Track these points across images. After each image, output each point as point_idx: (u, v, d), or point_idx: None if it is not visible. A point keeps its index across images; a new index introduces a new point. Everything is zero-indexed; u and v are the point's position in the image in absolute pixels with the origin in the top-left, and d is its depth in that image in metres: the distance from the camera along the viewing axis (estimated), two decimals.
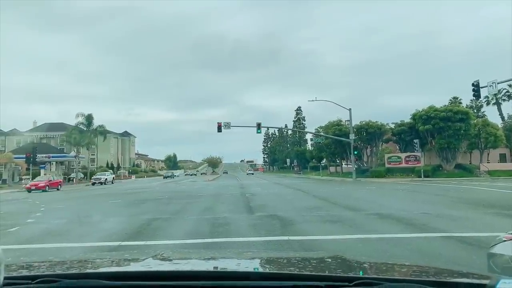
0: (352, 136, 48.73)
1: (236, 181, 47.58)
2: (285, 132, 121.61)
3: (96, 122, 72.07)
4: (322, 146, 61.54)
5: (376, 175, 48.36)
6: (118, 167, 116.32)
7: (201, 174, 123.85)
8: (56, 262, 1.75)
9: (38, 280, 1.20)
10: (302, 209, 13.22)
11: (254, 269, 1.53)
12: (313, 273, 1.47)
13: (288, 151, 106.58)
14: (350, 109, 49.37)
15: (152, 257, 1.71)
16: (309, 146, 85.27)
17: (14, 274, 1.35)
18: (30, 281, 1.20)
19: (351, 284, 1.12)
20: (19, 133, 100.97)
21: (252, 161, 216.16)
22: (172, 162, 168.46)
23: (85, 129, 69.82)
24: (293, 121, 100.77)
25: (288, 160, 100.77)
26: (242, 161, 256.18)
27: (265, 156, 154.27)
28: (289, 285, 1.15)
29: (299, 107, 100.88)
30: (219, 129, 47.57)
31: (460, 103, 47.68)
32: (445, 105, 47.75)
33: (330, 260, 1.78)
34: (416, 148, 43.40)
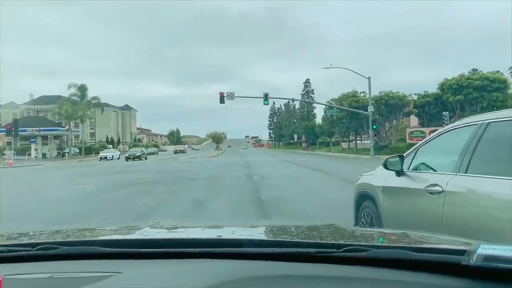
0: (370, 108, 43.32)
1: (241, 158, 42.78)
2: (292, 107, 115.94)
3: (96, 95, 66.61)
4: (334, 120, 56.32)
5: (397, 151, 43.39)
6: (119, 142, 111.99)
7: (194, 149, 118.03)
8: (55, 231, 1.79)
9: (38, 247, 1.24)
10: (343, 205, 8.04)
11: (248, 236, 1.54)
12: (304, 240, 1.50)
13: (295, 126, 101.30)
14: (369, 77, 43.78)
15: (150, 226, 1.72)
16: (318, 120, 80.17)
17: (15, 241, 1.42)
18: (30, 248, 1.24)
19: (340, 251, 1.16)
20: (15, 107, 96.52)
21: (256, 137, 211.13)
22: (175, 137, 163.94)
23: (78, 100, 64.52)
24: (301, 94, 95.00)
25: (295, 136, 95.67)
26: (247, 136, 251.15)
27: (271, 131, 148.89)
28: (281, 252, 1.19)
29: (308, 79, 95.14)
30: (222, 100, 42.40)
31: (498, 71, 41.92)
32: (474, 71, 42.14)
33: (323, 229, 1.81)
34: (446, 122, 38.04)
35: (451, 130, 3.34)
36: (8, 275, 0.82)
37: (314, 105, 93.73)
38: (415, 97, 46.65)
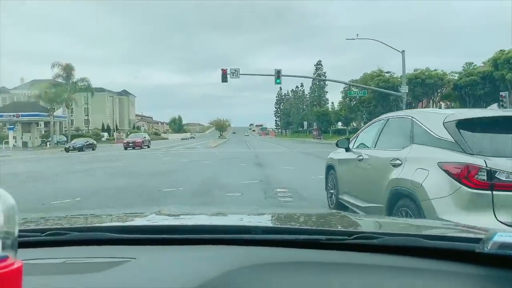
0: (404, 89, 35.52)
1: (248, 150, 35.40)
2: (301, 92, 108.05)
3: (85, 77, 58.76)
4: (355, 105, 48.79)
5: None
6: (116, 129, 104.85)
7: (190, 138, 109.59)
8: (64, 217, 1.81)
9: (48, 232, 1.23)
10: None
11: (257, 223, 1.54)
12: (314, 227, 1.50)
13: (305, 113, 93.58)
14: (403, 51, 36.00)
15: (156, 213, 1.72)
16: (333, 105, 72.61)
17: (23, 227, 1.37)
18: (40, 234, 1.24)
19: (350, 238, 1.15)
20: (4, 91, 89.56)
21: (261, 125, 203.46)
22: (177, 125, 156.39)
23: (64, 83, 56.93)
24: (312, 78, 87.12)
25: (305, 123, 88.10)
26: (251, 124, 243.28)
27: (277, 119, 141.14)
28: (290, 239, 1.19)
29: (319, 61, 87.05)
30: (224, 78, 34.85)
31: None
32: None
33: (330, 216, 1.85)
34: (504, 104, 30.39)
35: (374, 122, 5.67)
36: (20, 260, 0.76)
37: (327, 89, 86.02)
38: (456, 76, 38.94)
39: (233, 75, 35.41)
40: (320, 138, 76.31)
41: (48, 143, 52.78)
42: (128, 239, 1.23)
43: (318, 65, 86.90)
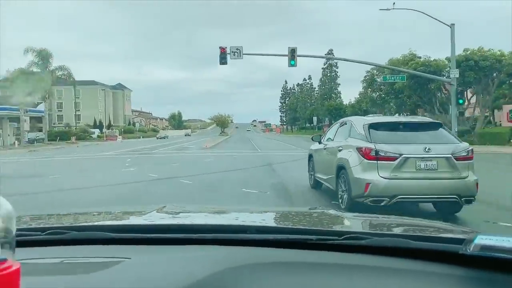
0: (454, 73, 27.32)
1: (253, 151, 27.44)
2: (309, 85, 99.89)
3: (64, 65, 50.64)
4: (379, 96, 40.72)
5: (491, 140, 27.84)
6: (109, 125, 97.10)
7: (185, 135, 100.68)
8: (64, 215, 1.86)
9: (48, 231, 1.26)
10: None
11: (251, 223, 1.57)
12: (306, 227, 1.54)
13: (314, 107, 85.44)
14: (453, 24, 27.90)
15: (156, 211, 1.76)
16: (348, 100, 64.51)
17: (25, 226, 1.43)
18: (40, 233, 1.26)
19: (341, 238, 1.19)
20: None
21: (264, 121, 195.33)
22: (176, 121, 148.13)
23: (39, 71, 48.86)
24: (322, 68, 79.23)
25: (314, 119, 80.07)
26: (254, 120, 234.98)
27: (282, 114, 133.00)
28: (282, 238, 1.22)
29: (331, 49, 78.77)
30: (222, 59, 26.96)
31: None
32: None
33: (324, 216, 1.88)
34: None
35: (336, 123, 8.54)
36: (18, 259, 0.78)
37: (339, 81, 77.82)
38: None
39: (234, 55, 27.32)
40: None
41: (16, 141, 44.83)
42: (124, 238, 1.26)
43: (329, 54, 78.58)
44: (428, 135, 6.42)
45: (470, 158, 6.15)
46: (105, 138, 71.93)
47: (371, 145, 6.10)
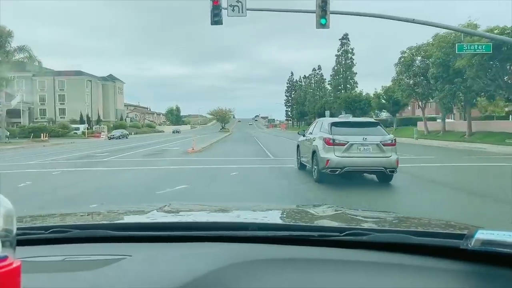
0: None
1: (264, 158, 17.97)
2: (318, 76, 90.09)
3: (25, 45, 41.07)
4: (415, 84, 31.43)
5: None
6: (98, 120, 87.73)
7: (173, 132, 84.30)
8: (67, 214, 1.88)
9: (51, 230, 1.28)
10: None
11: (253, 220, 1.55)
12: (307, 224, 1.55)
13: (325, 100, 75.82)
14: None
15: (157, 210, 1.75)
16: (368, 90, 54.81)
17: (28, 225, 1.45)
18: (43, 231, 1.28)
19: (342, 234, 1.19)
20: None
21: (266, 117, 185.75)
22: (174, 116, 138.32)
23: None
24: (336, 55, 69.32)
25: (327, 113, 70.43)
26: (257, 116, 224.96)
27: (288, 109, 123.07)
28: (284, 235, 1.23)
29: (346, 34, 68.78)
30: (215, 17, 17.76)
31: None
32: None
33: (326, 212, 1.89)
34: None
35: (314, 122, 12.51)
36: (22, 258, 0.82)
37: (355, 69, 68.10)
38: None
39: (233, 10, 17.96)
40: None
41: None
42: (125, 236, 1.25)
43: (344, 39, 68.76)
44: (367, 130, 9.67)
45: (393, 145, 9.51)
46: (86, 135, 62.59)
47: (331, 136, 9.44)
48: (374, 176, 9.95)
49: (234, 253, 1.10)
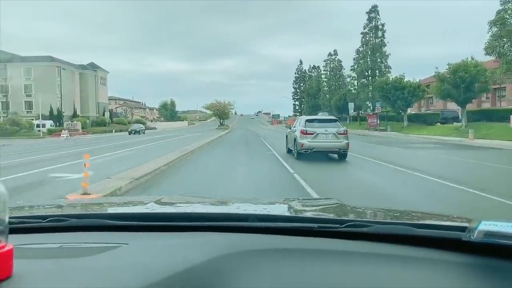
0: None
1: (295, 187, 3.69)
2: (335, 62, 75.40)
3: None
4: None
5: None
6: (74, 115, 73.49)
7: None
8: (65, 204, 1.88)
9: (49, 219, 1.29)
10: None
11: (253, 211, 1.53)
12: (307, 215, 1.53)
13: (347, 90, 61.48)
14: None
15: (155, 201, 1.74)
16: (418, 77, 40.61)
17: (26, 213, 1.47)
18: (41, 220, 1.29)
19: (342, 226, 1.19)
20: None
21: (269, 113, 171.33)
22: (169, 111, 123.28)
23: None
24: (362, 32, 54.82)
25: (350, 105, 56.14)
26: (259, 112, 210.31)
27: (296, 102, 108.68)
28: (284, 226, 1.22)
29: (375, 5, 54.25)
30: None
31: None
32: None
33: (326, 204, 1.88)
34: None
35: (297, 119, 20.39)
36: (19, 244, 0.89)
37: (386, 50, 53.65)
38: None
39: None
40: (378, 128, 44.75)
41: None
42: (122, 225, 1.25)
43: (372, 12, 54.26)
44: (328, 124, 14.77)
45: (345, 134, 14.41)
46: (41, 135, 48.54)
47: (305, 128, 14.41)
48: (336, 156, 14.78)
49: (233, 242, 1.09)
